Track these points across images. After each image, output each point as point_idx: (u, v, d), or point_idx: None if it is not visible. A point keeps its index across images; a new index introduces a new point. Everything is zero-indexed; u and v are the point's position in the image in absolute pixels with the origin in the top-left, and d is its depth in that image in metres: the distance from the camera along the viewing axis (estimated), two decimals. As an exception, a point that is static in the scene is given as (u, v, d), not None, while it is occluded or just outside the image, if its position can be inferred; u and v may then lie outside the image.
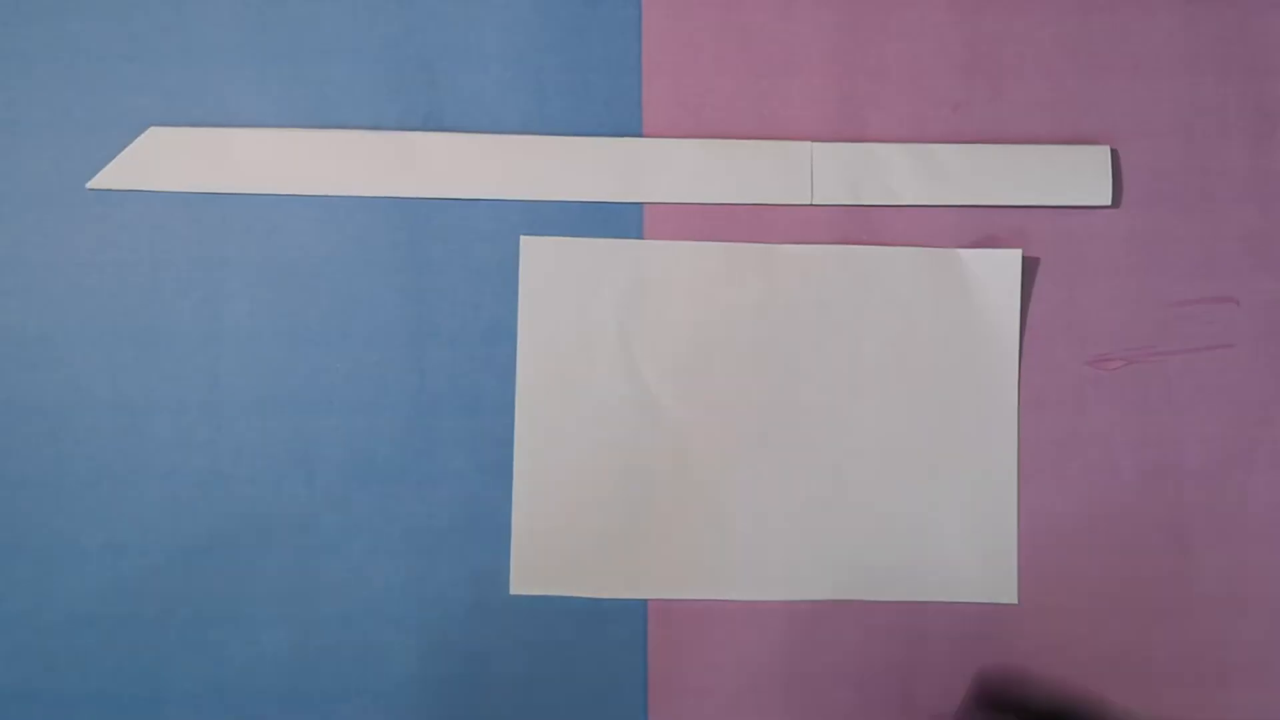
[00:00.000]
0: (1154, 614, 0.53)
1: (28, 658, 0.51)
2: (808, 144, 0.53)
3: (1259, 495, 0.53)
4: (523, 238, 0.52)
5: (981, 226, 0.53)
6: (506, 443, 0.51)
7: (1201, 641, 0.53)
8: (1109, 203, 0.53)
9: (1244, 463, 0.53)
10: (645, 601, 0.52)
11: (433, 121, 0.52)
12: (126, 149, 0.51)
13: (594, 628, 0.52)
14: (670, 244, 0.52)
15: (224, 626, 0.51)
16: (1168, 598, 0.53)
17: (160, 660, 0.51)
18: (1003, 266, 0.51)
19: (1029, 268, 0.52)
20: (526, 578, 0.51)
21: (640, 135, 0.53)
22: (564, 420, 0.51)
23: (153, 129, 0.52)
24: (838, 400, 0.51)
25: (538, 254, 0.52)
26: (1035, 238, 0.53)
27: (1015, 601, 0.51)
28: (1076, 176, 0.53)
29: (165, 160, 0.52)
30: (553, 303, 0.51)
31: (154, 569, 0.51)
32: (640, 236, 0.52)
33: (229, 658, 0.51)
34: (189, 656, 0.51)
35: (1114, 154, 0.53)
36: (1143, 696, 0.53)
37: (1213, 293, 0.54)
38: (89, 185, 0.52)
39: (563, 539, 0.51)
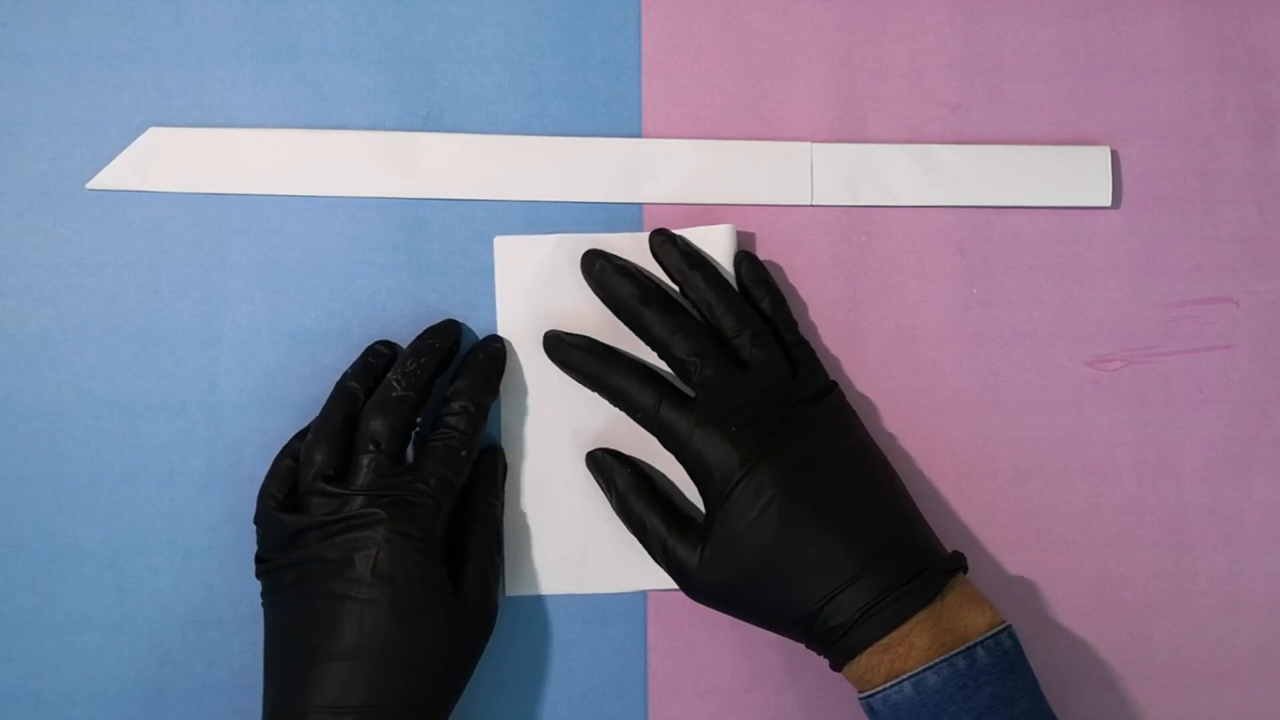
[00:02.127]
0: (1153, 613, 0.53)
1: (28, 658, 0.51)
2: (807, 144, 0.53)
3: (1258, 495, 0.53)
4: (496, 238, 0.52)
5: (981, 227, 0.53)
6: (506, 443, 0.52)
7: (1201, 641, 0.53)
8: (1109, 203, 0.53)
9: (1244, 463, 0.53)
10: (645, 601, 0.52)
11: (433, 121, 0.52)
12: (126, 149, 0.51)
13: (594, 627, 0.51)
14: (635, 235, 0.52)
15: (224, 627, 0.51)
16: (1167, 597, 0.53)
17: (160, 660, 0.51)
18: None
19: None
20: (521, 579, 0.51)
21: (640, 135, 0.53)
22: (548, 417, 0.51)
23: (153, 129, 0.52)
24: None
25: (511, 253, 0.52)
26: (1035, 238, 0.53)
27: None
28: (1076, 176, 0.53)
29: (165, 160, 0.51)
30: (530, 299, 0.51)
31: (154, 569, 0.51)
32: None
33: (229, 658, 0.51)
34: (189, 656, 0.51)
35: (1114, 154, 0.53)
36: (1143, 696, 0.53)
37: (1213, 293, 0.54)
38: (89, 185, 0.51)
39: (555, 537, 0.51)
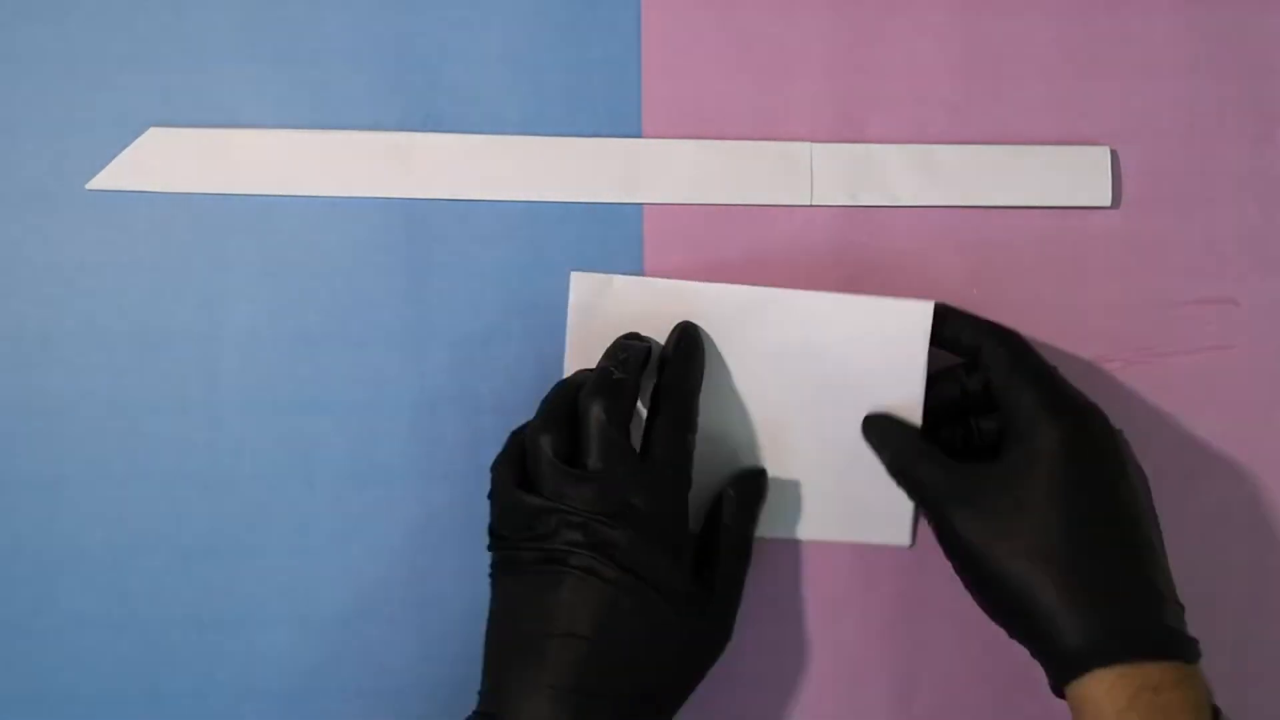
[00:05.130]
0: (1154, 614, 0.53)
1: (28, 658, 0.51)
2: (807, 145, 0.53)
3: (1259, 495, 0.53)
4: (572, 274, 0.51)
5: (981, 227, 0.53)
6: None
7: (1202, 641, 0.53)
8: (1109, 203, 0.53)
9: (1244, 462, 0.53)
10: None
11: (433, 121, 0.52)
12: (126, 149, 0.51)
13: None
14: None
15: (224, 626, 0.51)
16: (1167, 598, 0.53)
17: (160, 660, 0.51)
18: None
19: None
20: None
21: (640, 136, 0.53)
22: None
23: (153, 129, 0.52)
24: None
25: (586, 289, 0.50)
26: (1035, 238, 0.53)
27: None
28: (1076, 176, 0.53)
29: (165, 160, 0.51)
30: (600, 337, 0.50)
31: (154, 569, 0.51)
32: (640, 237, 0.52)
33: (229, 658, 0.51)
34: (189, 656, 0.51)
35: (1114, 154, 0.53)
36: (1142, 696, 0.53)
37: (1213, 293, 0.54)
38: (89, 185, 0.52)
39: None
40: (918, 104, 0.53)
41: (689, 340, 0.49)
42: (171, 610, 0.51)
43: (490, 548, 0.47)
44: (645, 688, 0.45)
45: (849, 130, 0.53)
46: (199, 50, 0.52)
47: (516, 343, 0.51)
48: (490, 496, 0.47)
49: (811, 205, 0.53)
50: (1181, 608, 0.46)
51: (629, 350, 0.48)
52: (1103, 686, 0.43)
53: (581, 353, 0.50)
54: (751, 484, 0.50)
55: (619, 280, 0.51)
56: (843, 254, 0.53)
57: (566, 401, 0.47)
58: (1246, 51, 0.54)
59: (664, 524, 0.46)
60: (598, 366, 0.48)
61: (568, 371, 0.50)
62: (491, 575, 0.47)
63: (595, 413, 0.46)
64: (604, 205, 0.52)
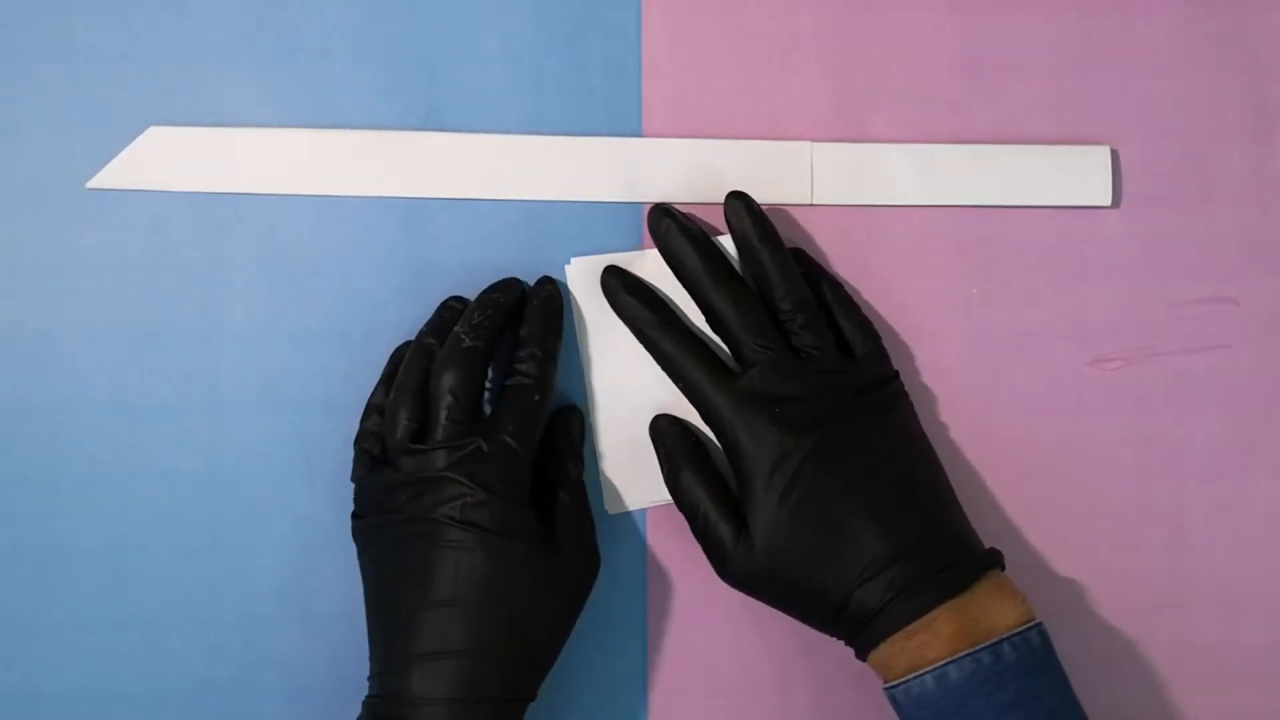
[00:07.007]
0: (1153, 613, 0.53)
1: (28, 658, 0.51)
2: (808, 144, 0.53)
3: (1259, 495, 0.53)
4: (567, 266, 0.51)
5: (981, 226, 0.53)
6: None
7: (1201, 641, 0.53)
8: (1109, 203, 0.53)
9: (1244, 463, 0.53)
10: (645, 602, 0.52)
11: (433, 121, 0.52)
12: (126, 149, 0.51)
13: (594, 627, 0.51)
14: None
15: (224, 627, 0.51)
16: (1167, 597, 0.53)
17: (160, 660, 0.51)
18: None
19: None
20: (615, 498, 0.52)
21: (640, 135, 0.53)
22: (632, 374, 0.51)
23: (153, 129, 0.52)
24: None
25: (584, 274, 0.51)
26: (1035, 238, 0.53)
27: None
28: (1076, 176, 0.53)
29: (165, 160, 0.51)
30: (607, 316, 0.51)
31: (154, 569, 0.51)
32: (640, 236, 0.52)
33: (229, 658, 0.51)
34: (189, 656, 0.51)
35: (1114, 154, 0.53)
36: (1143, 696, 0.53)
37: (1213, 293, 0.54)
38: (89, 185, 0.51)
39: (644, 452, 0.51)
40: (918, 103, 0.53)
41: (547, 303, 0.50)
42: (171, 610, 0.51)
43: (352, 531, 0.48)
44: (518, 635, 0.46)
45: (850, 129, 0.53)
46: (199, 50, 0.52)
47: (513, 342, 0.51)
48: (352, 478, 0.49)
49: (812, 204, 0.53)
50: (957, 530, 0.47)
51: (489, 309, 0.49)
52: (887, 650, 0.45)
53: (589, 339, 0.51)
54: (564, 421, 0.50)
55: (619, 259, 0.51)
56: (843, 253, 0.53)
57: (422, 369, 0.48)
58: (1246, 51, 0.54)
59: (504, 480, 0.46)
60: (454, 330, 0.48)
61: (585, 363, 0.51)
62: (358, 557, 0.48)
63: (441, 387, 0.47)
64: (604, 205, 0.52)
